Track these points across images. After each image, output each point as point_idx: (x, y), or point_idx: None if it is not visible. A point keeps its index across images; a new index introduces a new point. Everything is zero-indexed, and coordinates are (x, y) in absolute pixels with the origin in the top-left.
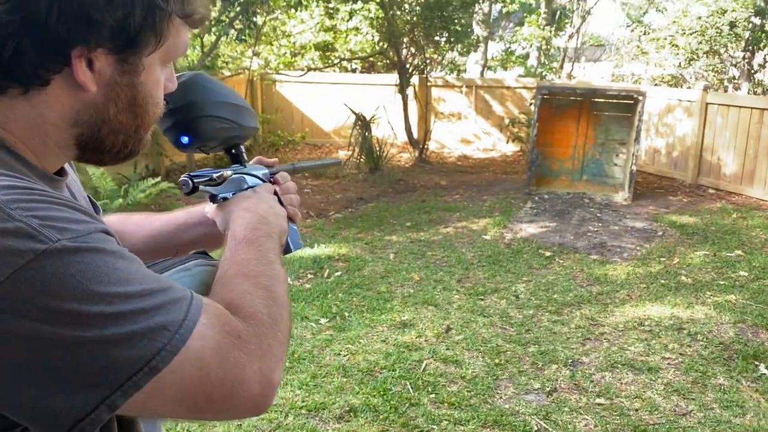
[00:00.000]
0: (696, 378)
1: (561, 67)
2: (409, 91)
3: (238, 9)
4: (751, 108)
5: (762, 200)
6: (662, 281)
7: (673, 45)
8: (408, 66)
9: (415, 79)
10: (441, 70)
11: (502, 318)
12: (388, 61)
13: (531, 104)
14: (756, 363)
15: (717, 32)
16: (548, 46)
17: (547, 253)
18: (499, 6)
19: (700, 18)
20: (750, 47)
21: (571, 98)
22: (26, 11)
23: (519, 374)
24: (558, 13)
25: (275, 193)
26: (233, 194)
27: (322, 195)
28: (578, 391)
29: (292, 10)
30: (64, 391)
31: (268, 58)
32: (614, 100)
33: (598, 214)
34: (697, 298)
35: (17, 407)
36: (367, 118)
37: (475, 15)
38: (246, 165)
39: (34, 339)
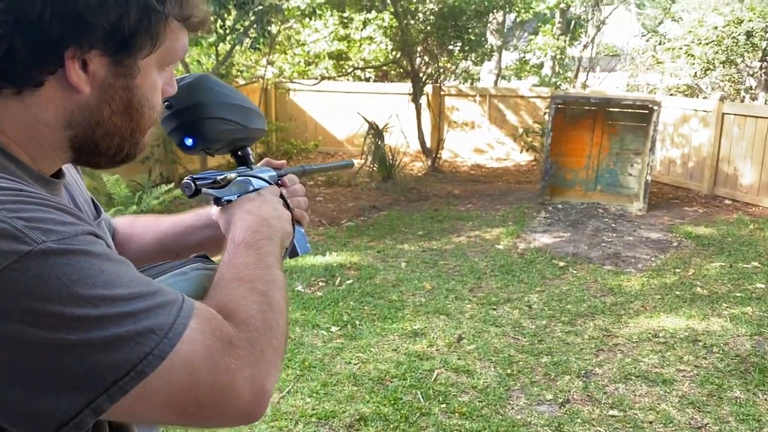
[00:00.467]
0: (711, 391)
1: (575, 76)
2: (423, 100)
3: (252, 18)
4: None
5: None
6: (677, 292)
7: (688, 55)
8: (421, 75)
9: (428, 88)
10: (455, 79)
11: (514, 328)
12: (401, 70)
13: (545, 114)
14: None
15: (733, 42)
16: (563, 56)
17: (561, 264)
18: (513, 15)
19: (716, 28)
20: (767, 57)
21: (586, 108)
22: (19, 12)
23: (531, 385)
24: (573, 22)
25: (281, 196)
26: (237, 197)
27: (335, 203)
28: (591, 403)
29: (307, 19)
30: (48, 393)
31: (282, 67)
32: (629, 110)
33: (613, 225)
34: (712, 310)
35: (1, 409)
36: (380, 127)
37: (489, 24)
38: (253, 167)
39: (18, 341)
